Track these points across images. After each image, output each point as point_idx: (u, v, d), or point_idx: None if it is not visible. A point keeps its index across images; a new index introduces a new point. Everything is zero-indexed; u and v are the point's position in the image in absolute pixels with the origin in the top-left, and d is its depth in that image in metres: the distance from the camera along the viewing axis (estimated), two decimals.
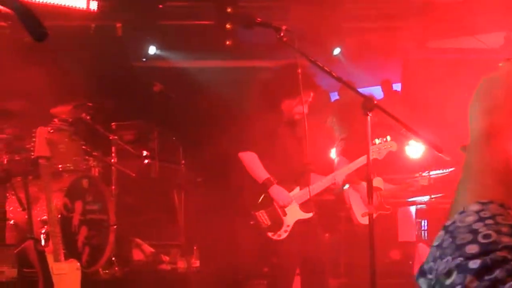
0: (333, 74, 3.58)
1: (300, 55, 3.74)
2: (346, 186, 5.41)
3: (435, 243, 0.85)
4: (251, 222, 4.54)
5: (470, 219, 0.82)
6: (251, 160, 4.58)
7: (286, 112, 4.68)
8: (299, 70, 4.03)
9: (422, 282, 0.86)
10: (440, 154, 4.75)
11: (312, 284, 4.69)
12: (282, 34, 3.62)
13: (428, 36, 7.50)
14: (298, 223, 4.58)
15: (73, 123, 5.95)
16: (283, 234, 4.53)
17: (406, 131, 4.84)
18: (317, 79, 4.66)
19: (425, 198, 6.46)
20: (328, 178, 4.75)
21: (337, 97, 7.85)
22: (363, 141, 3.44)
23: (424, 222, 6.63)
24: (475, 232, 0.80)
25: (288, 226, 4.54)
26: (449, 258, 0.80)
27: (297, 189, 4.63)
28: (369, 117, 3.36)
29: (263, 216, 4.52)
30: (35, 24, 1.57)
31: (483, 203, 0.83)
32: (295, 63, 4.02)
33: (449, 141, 3.76)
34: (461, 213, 0.84)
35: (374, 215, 3.47)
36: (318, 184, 4.70)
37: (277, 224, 4.54)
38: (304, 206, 4.61)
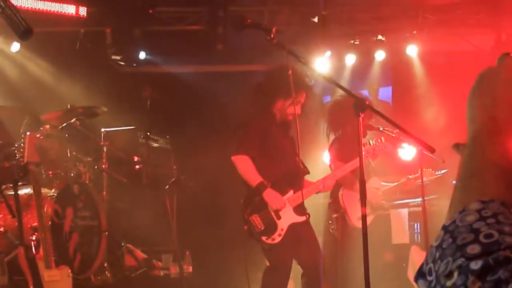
0: (324, 75, 3.57)
1: (291, 57, 3.71)
2: (341, 191, 5.39)
3: (435, 244, 0.81)
4: (245, 227, 4.51)
5: (471, 218, 0.79)
6: (244, 163, 4.55)
7: (279, 113, 4.66)
8: (290, 71, 4.01)
9: (422, 284, 0.82)
10: (432, 155, 4.74)
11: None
12: (272, 36, 3.58)
13: (418, 38, 7.49)
14: (292, 226, 4.55)
15: (63, 129, 5.90)
16: (277, 238, 4.50)
17: (398, 133, 4.85)
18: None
19: (418, 200, 6.45)
20: (321, 181, 4.74)
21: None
22: (356, 142, 3.41)
23: (417, 225, 6.61)
24: (476, 231, 0.77)
25: (282, 229, 4.52)
26: (450, 259, 0.77)
27: (291, 192, 4.60)
28: (360, 118, 3.33)
29: (256, 220, 4.50)
30: (20, 21, 1.54)
31: (484, 202, 0.80)
32: (286, 65, 4.00)
33: (441, 143, 3.76)
34: (461, 212, 0.81)
35: (372, 217, 3.44)
36: (312, 187, 4.68)
37: (271, 228, 4.51)
38: (298, 210, 4.59)
